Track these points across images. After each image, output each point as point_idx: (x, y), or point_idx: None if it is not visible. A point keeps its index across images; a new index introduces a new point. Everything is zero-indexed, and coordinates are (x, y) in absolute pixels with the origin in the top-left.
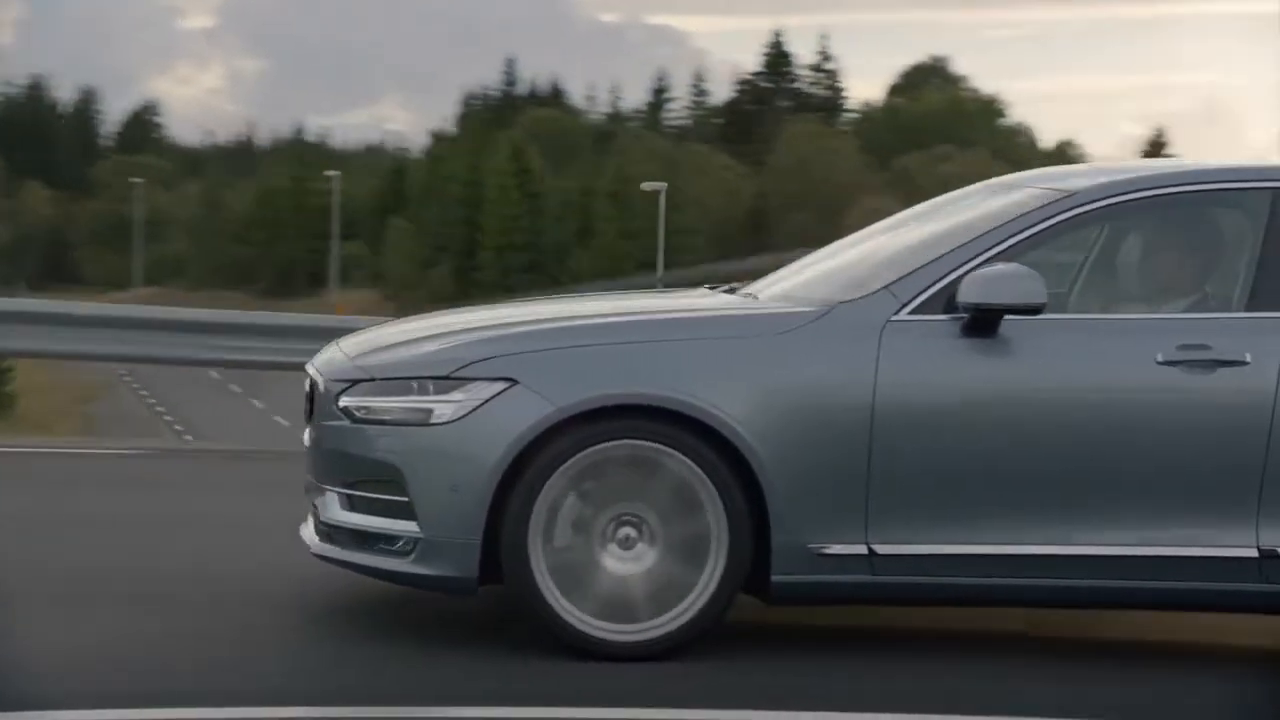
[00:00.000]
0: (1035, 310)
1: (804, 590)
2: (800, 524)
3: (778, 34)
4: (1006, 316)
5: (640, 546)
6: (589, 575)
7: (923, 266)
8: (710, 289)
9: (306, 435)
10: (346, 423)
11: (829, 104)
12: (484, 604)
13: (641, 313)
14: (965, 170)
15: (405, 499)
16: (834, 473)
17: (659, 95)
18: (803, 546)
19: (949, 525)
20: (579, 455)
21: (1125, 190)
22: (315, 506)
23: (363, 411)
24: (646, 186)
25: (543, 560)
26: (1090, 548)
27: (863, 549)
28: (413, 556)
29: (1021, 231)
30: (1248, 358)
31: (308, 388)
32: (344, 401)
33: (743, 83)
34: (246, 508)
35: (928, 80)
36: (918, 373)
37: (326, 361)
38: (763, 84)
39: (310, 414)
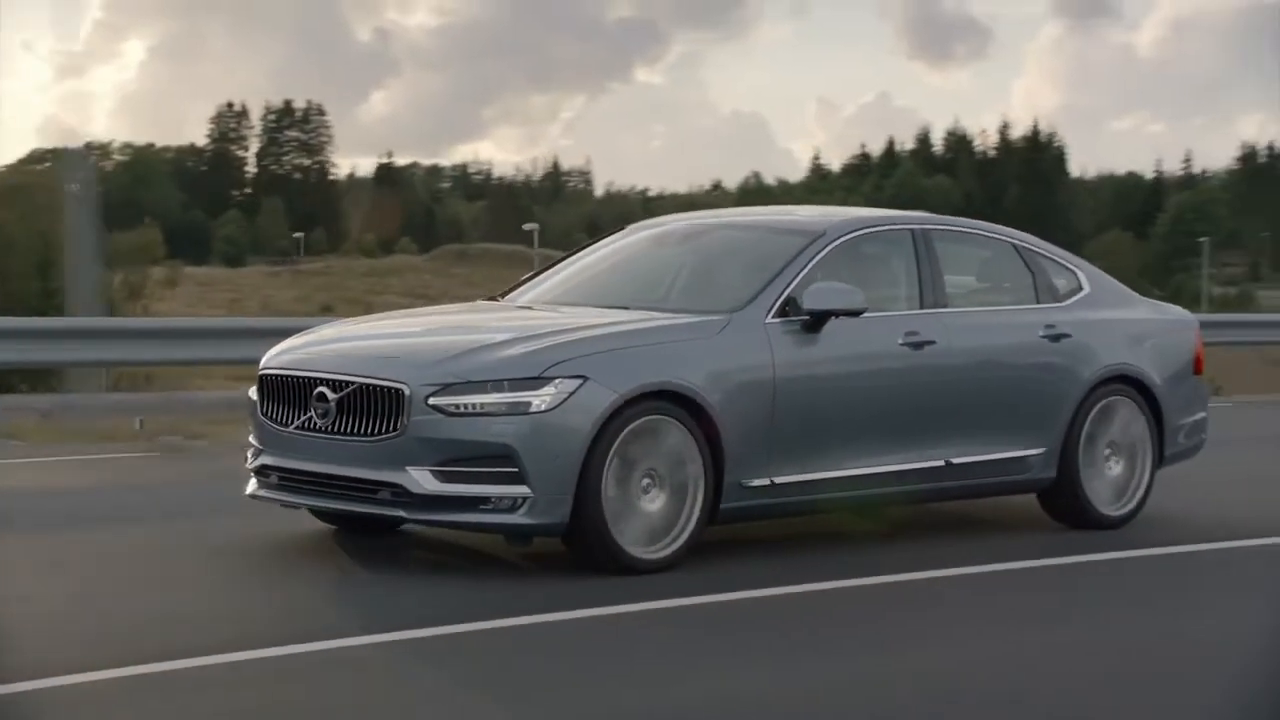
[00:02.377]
0: (858, 313)
1: (737, 514)
2: (738, 466)
3: None
4: (835, 318)
5: (654, 491)
6: (628, 514)
7: (767, 285)
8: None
9: (295, 423)
10: (440, 417)
11: None
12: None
13: (641, 323)
14: None
15: (515, 469)
16: (755, 428)
17: None
18: (737, 482)
19: (809, 459)
20: (627, 429)
21: (852, 229)
22: (366, 481)
23: (457, 407)
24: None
25: (605, 506)
26: (878, 467)
27: (767, 481)
28: (523, 511)
29: (812, 259)
30: (936, 339)
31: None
32: (434, 401)
33: None
34: None
35: None
36: (788, 356)
37: (391, 369)
38: None
39: (290, 406)
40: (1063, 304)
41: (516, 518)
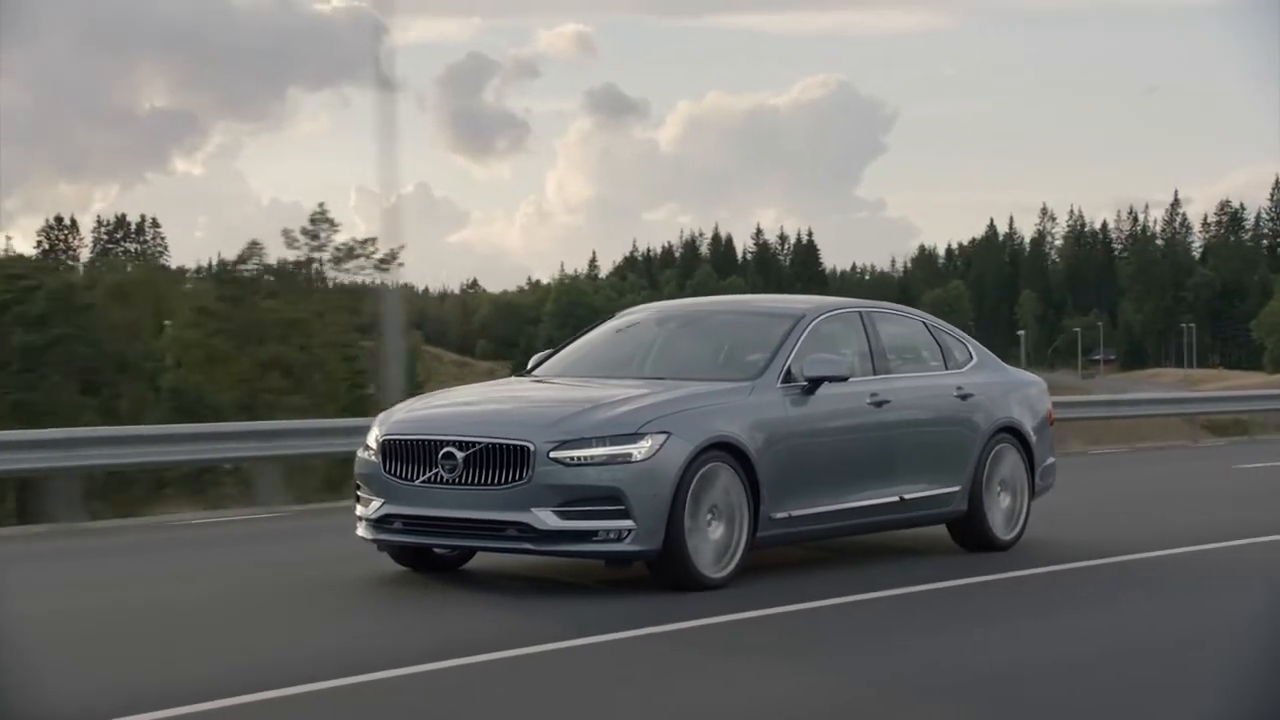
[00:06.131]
0: (844, 379)
1: (767, 541)
2: (767, 502)
3: None
4: (826, 383)
5: (715, 523)
6: (700, 541)
7: (774, 357)
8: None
9: (421, 478)
10: (560, 467)
11: None
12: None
13: (693, 388)
14: None
15: (622, 507)
16: (779, 470)
17: None
18: (768, 515)
19: (813, 496)
20: (699, 473)
21: (823, 312)
22: (500, 522)
23: (573, 459)
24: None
25: (686, 535)
26: (857, 501)
27: (786, 514)
28: (628, 540)
29: (800, 336)
30: (890, 399)
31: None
32: (554, 454)
33: None
34: None
35: None
36: (795, 414)
37: (514, 431)
38: None
39: (414, 467)
40: (963, 370)
41: (623, 546)
